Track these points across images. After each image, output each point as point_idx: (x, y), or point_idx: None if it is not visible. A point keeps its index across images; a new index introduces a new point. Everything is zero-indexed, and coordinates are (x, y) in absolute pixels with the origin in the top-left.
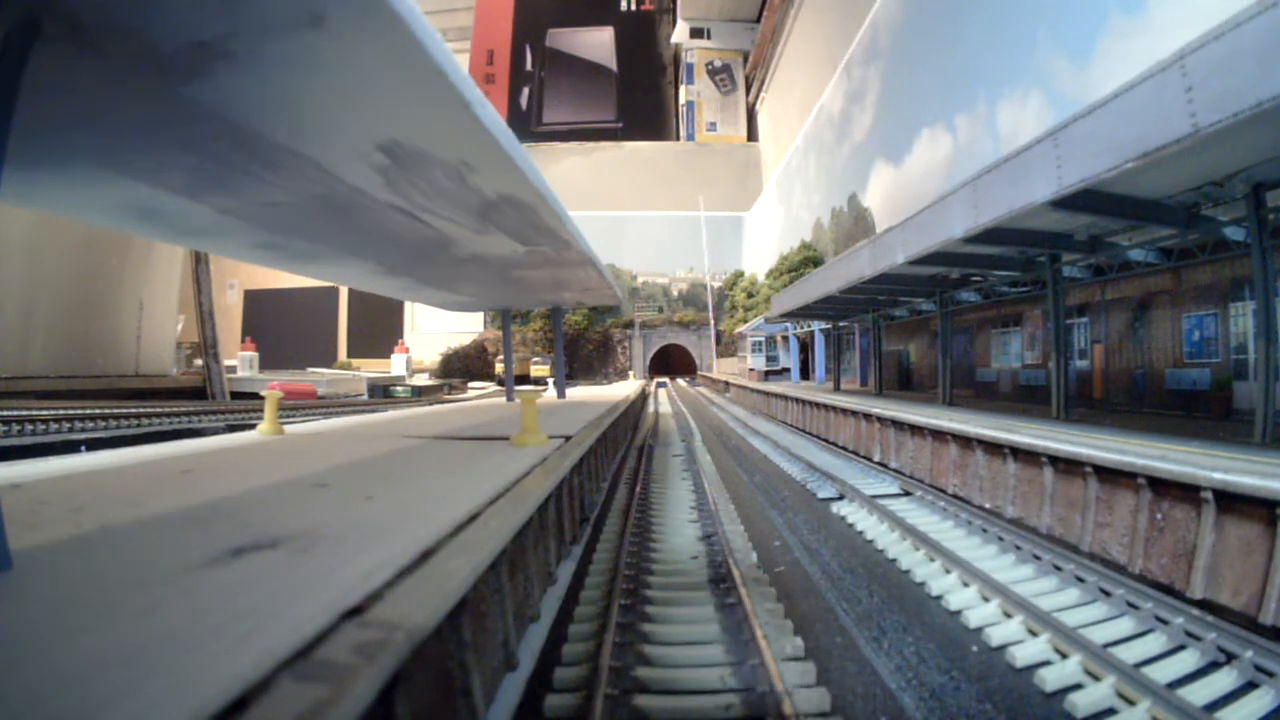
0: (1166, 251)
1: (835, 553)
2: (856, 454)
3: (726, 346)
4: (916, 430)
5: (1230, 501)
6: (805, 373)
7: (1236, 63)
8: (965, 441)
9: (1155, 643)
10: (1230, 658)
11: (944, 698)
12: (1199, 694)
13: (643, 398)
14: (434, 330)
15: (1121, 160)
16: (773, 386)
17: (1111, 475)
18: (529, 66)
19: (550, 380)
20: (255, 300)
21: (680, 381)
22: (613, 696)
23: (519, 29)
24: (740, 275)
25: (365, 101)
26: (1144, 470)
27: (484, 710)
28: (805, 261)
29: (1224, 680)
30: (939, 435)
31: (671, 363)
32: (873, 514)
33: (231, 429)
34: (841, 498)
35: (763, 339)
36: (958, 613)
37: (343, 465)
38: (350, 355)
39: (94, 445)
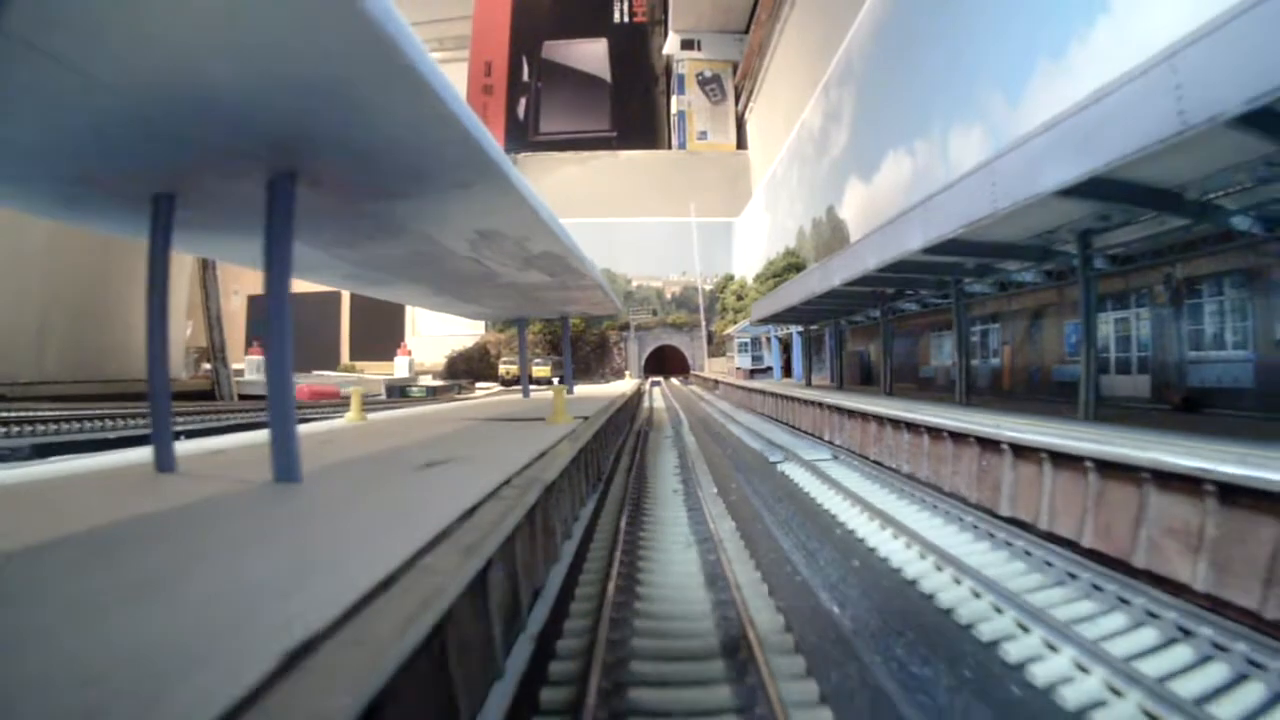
0: (1054, 274)
1: (774, 492)
2: (812, 435)
3: (717, 347)
4: (853, 414)
5: (1020, 451)
6: (788, 371)
7: (1020, 169)
8: (880, 420)
9: (970, 539)
10: (1010, 544)
11: (816, 556)
12: (995, 569)
13: (639, 395)
14: (435, 333)
15: (957, 226)
16: (754, 383)
17: (960, 437)
18: (526, 77)
19: (554, 379)
20: (258, 305)
21: (674, 381)
22: (626, 546)
23: (516, 41)
24: (730, 279)
25: (477, 213)
26: (973, 432)
27: (561, 545)
28: (789, 267)
29: (1002, 553)
30: (865, 416)
31: (665, 363)
32: (803, 469)
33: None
34: (786, 460)
35: (749, 340)
36: (834, 515)
37: (436, 435)
38: (353, 358)
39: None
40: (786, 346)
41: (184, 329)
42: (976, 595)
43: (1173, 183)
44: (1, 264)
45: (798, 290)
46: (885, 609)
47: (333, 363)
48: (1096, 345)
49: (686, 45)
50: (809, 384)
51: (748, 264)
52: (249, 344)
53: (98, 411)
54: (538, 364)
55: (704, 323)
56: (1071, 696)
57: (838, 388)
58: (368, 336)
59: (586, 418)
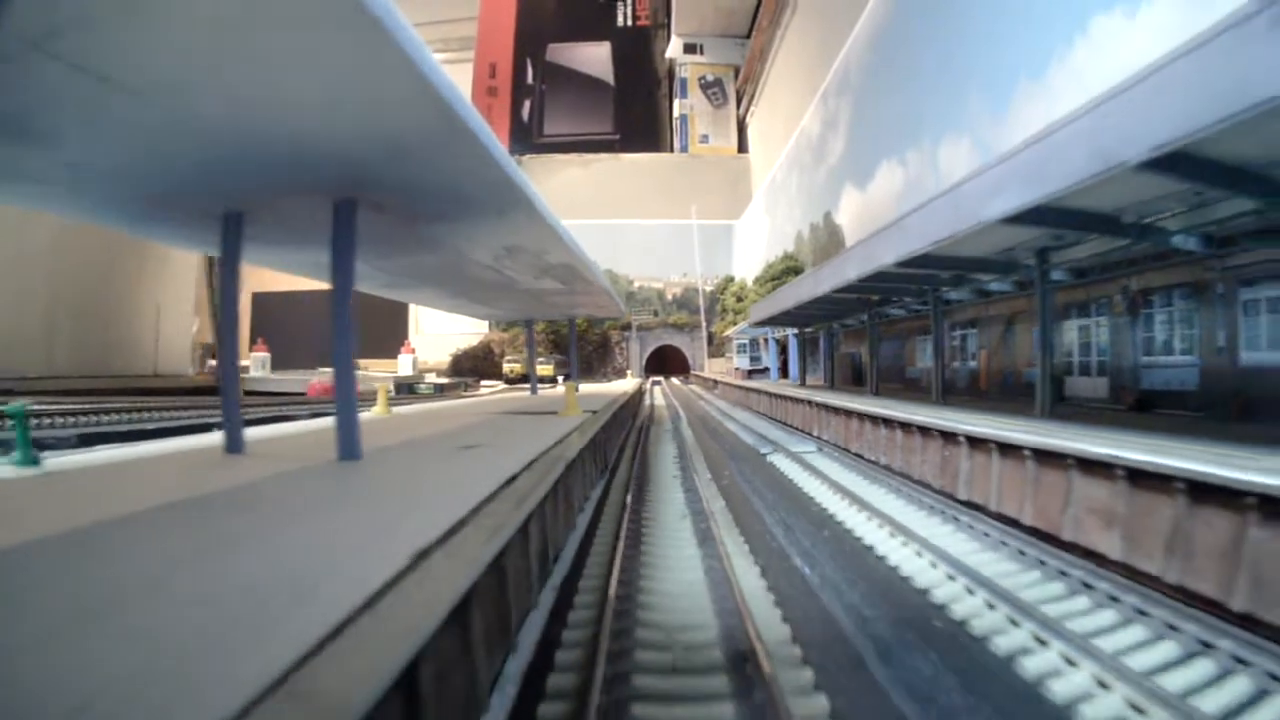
0: (1022, 284)
1: (762, 479)
2: (802, 430)
3: (717, 347)
4: (837, 411)
5: (974, 442)
6: (785, 371)
7: (976, 198)
8: (861, 417)
9: (925, 515)
10: (958, 519)
11: (793, 529)
12: (941, 539)
13: (640, 393)
14: (438, 331)
15: (924, 244)
16: (751, 383)
17: (925, 430)
18: (530, 80)
19: (559, 378)
20: (263, 302)
21: (674, 380)
22: (632, 516)
23: (520, 43)
24: (730, 280)
25: (505, 232)
26: (937, 427)
27: (579, 512)
28: (787, 271)
29: (949, 526)
30: (848, 413)
31: (666, 363)
32: (790, 460)
33: (315, 416)
34: (775, 452)
35: (747, 341)
36: (810, 495)
37: (461, 425)
38: (357, 355)
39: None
40: (784, 348)
41: (191, 325)
42: (919, 555)
43: (1109, 209)
44: (7, 263)
45: (792, 295)
46: (846, 566)
47: None
48: (1052, 350)
49: (689, 49)
50: (803, 384)
51: (748, 266)
52: (253, 341)
53: (129, 404)
54: (541, 363)
55: (704, 324)
56: (978, 626)
57: (829, 388)
58: (371, 334)
59: (595, 412)
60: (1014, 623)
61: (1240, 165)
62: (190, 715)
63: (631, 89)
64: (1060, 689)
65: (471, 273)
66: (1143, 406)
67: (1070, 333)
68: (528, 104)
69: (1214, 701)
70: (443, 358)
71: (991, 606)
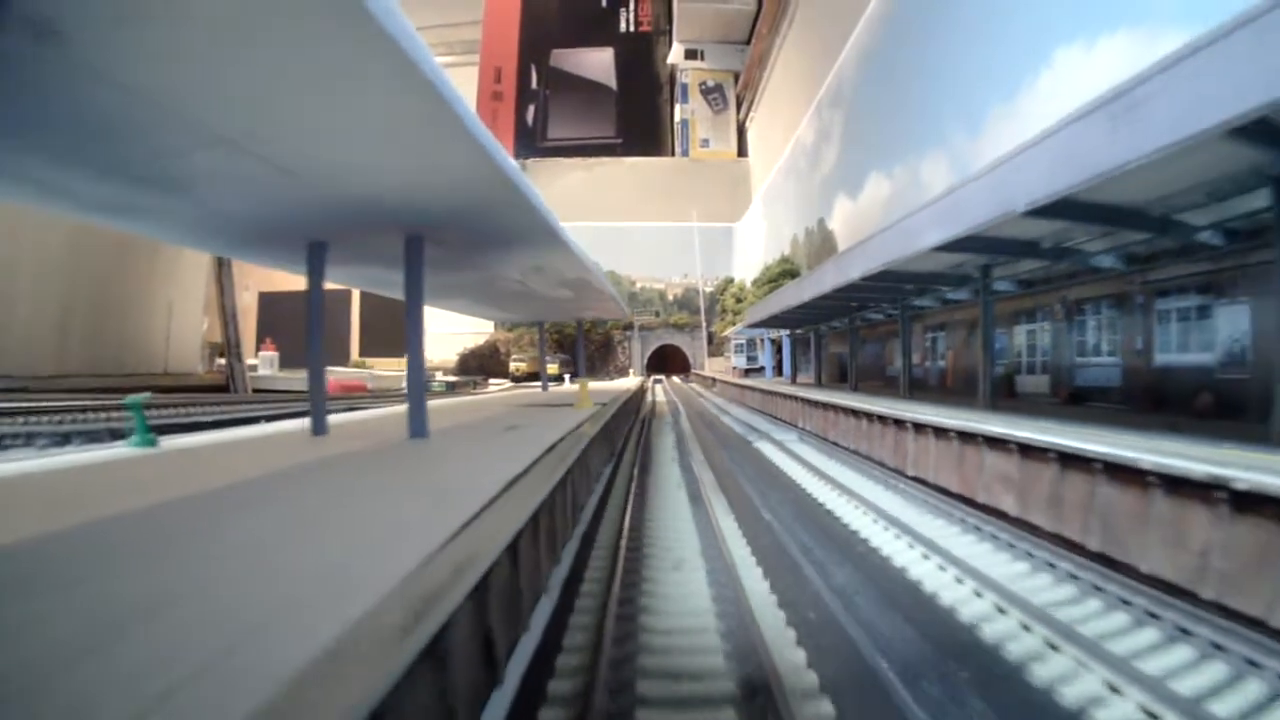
0: (976, 293)
1: (747, 460)
2: (788, 422)
3: (717, 347)
4: (817, 404)
5: (919, 427)
6: (780, 370)
7: (909, 231)
8: (836, 409)
9: (872, 483)
10: (897, 486)
11: (767, 495)
12: (880, 500)
13: (642, 390)
14: (443, 331)
15: (881, 262)
16: (747, 381)
17: (882, 419)
18: (534, 85)
19: (565, 376)
20: (270, 302)
21: (675, 379)
22: (638, 484)
23: (525, 49)
24: (730, 281)
25: (533, 255)
26: (893, 416)
27: (595, 481)
28: (783, 274)
29: (890, 492)
30: (826, 406)
31: (667, 362)
32: (773, 445)
33: (348, 410)
34: (761, 440)
35: (744, 341)
36: (785, 471)
37: (493, 415)
38: (363, 354)
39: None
40: (778, 348)
41: (200, 324)
42: (856, 508)
43: (1029, 237)
44: (24, 264)
45: (782, 300)
46: (805, 519)
47: (343, 359)
48: (995, 352)
49: (690, 55)
50: (794, 381)
51: (747, 268)
52: (260, 340)
53: (180, 400)
54: (546, 361)
55: (704, 324)
56: (887, 550)
57: (817, 385)
58: (377, 334)
59: (604, 404)
60: (911, 547)
61: (1117, 206)
62: (423, 543)
63: (633, 94)
64: (930, 584)
65: (499, 286)
66: (1076, 400)
67: (1020, 336)
68: (532, 108)
69: (1041, 599)
70: (449, 356)
71: (899, 537)
